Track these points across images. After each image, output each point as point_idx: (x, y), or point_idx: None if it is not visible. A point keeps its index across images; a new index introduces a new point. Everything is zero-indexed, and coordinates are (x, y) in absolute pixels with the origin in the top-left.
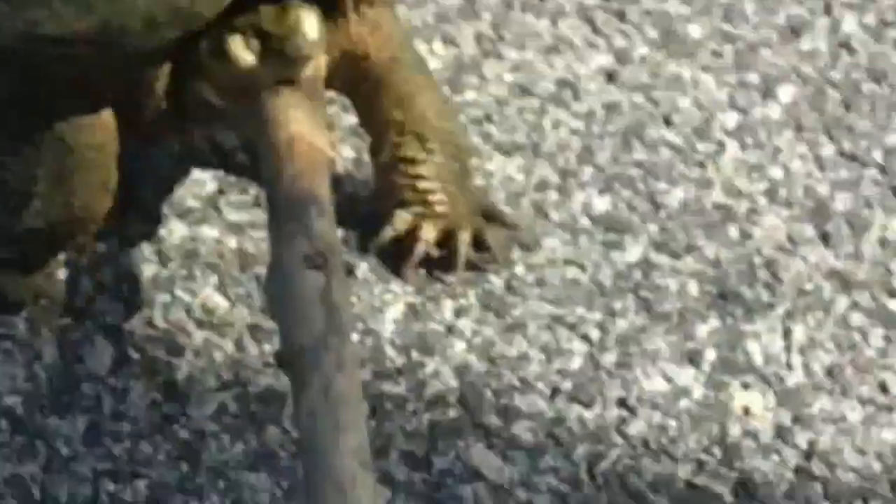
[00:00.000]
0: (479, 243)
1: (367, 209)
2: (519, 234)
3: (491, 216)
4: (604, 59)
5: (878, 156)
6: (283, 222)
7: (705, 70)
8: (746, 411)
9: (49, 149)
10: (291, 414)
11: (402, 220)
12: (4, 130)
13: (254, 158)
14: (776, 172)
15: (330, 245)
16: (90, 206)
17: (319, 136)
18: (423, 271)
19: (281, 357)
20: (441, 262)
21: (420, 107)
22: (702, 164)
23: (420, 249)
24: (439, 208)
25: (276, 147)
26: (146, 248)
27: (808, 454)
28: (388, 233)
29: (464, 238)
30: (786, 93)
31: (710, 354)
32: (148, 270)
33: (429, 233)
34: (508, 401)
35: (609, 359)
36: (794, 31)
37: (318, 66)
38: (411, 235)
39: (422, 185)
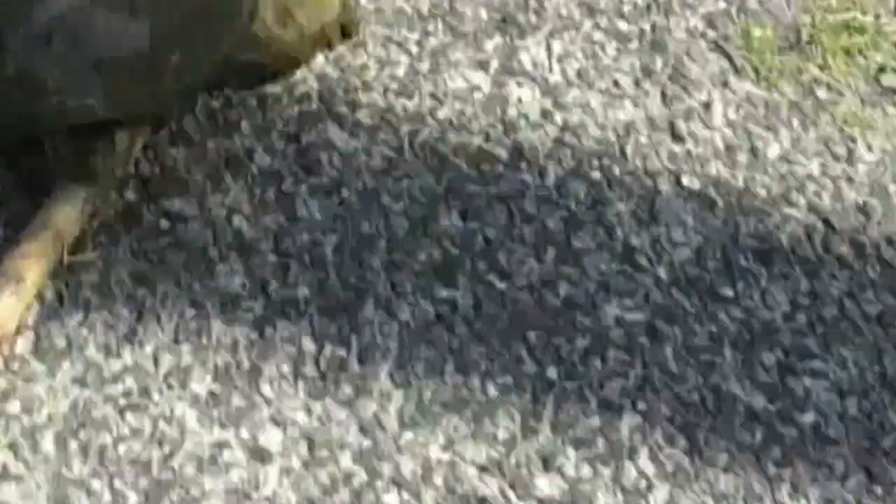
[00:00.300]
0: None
1: None
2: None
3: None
4: None
5: None
6: None
7: None
8: (520, 100)
9: None
10: None
11: None
12: None
13: None
14: None
15: None
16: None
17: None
18: None
19: None
20: None
21: None
22: None
23: None
24: None
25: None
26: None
27: (563, 128)
28: None
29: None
30: None
31: (495, 62)
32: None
33: None
34: (354, 97)
35: (424, 66)
36: None
37: None
38: None
39: None
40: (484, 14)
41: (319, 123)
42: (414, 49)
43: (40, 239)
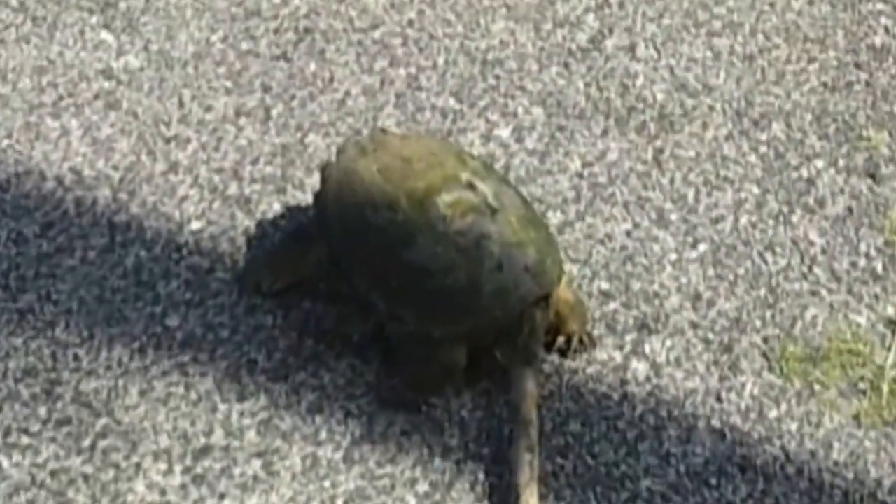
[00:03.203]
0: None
1: None
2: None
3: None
4: None
5: None
6: (518, 434)
7: None
8: None
9: None
10: None
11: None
12: None
13: None
14: None
15: (534, 441)
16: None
17: (536, 391)
18: None
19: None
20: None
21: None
22: None
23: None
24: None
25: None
26: None
27: None
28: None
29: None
30: None
31: None
32: None
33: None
34: None
35: None
36: None
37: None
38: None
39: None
40: None
41: None
42: None
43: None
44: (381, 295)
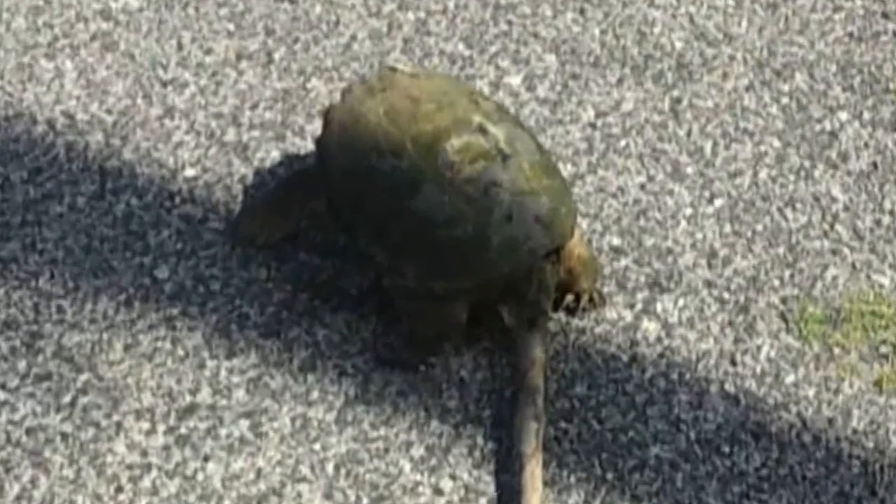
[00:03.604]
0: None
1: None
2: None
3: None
4: None
5: None
6: (524, 402)
7: None
8: None
9: None
10: None
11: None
12: None
13: None
14: None
15: (541, 409)
16: None
17: (544, 356)
18: None
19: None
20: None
21: (584, 255)
22: None
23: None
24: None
25: (529, 360)
26: None
27: None
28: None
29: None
30: None
31: None
32: None
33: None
34: None
35: None
36: None
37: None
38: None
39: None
40: None
41: None
42: None
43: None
44: (382, 247)
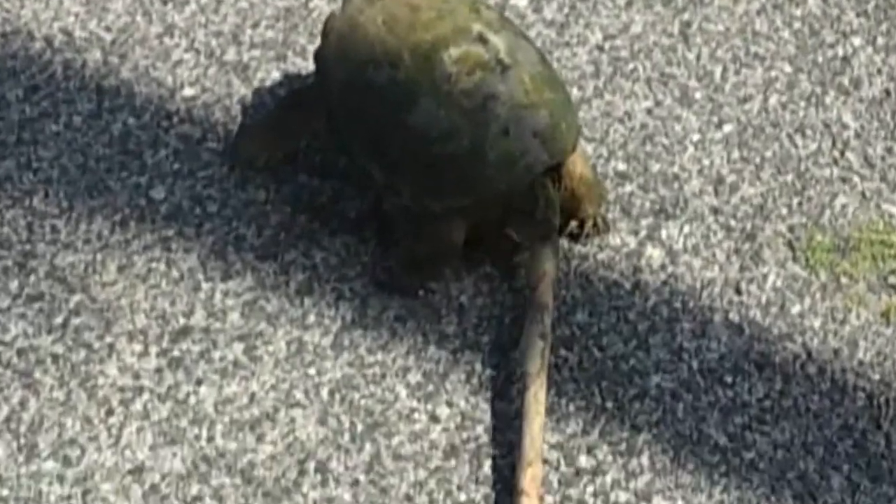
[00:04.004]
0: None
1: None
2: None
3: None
4: None
5: None
6: (532, 319)
7: None
8: None
9: None
10: None
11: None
12: None
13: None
14: None
15: (548, 329)
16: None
17: (555, 272)
18: None
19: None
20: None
21: (588, 177)
22: None
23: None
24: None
25: (538, 274)
26: None
27: None
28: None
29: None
30: None
31: None
32: None
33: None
34: None
35: None
36: None
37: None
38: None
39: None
40: None
41: None
42: None
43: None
44: (378, 164)
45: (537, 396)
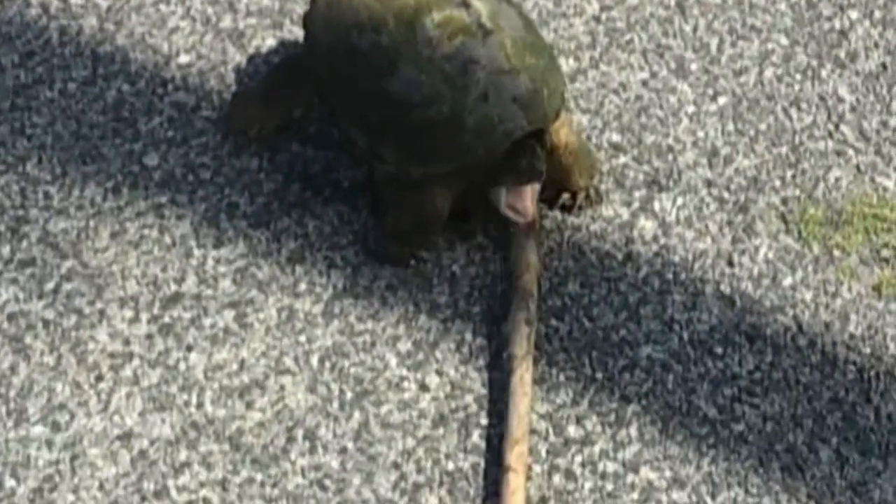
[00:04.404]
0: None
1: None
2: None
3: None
4: None
5: None
6: (517, 305)
7: None
8: None
9: None
10: None
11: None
12: None
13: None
14: None
15: (533, 315)
16: None
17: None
18: None
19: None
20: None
21: (574, 145)
22: None
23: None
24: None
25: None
26: None
27: None
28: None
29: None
30: None
31: None
32: None
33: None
34: None
35: None
36: None
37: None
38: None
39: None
40: None
41: None
42: None
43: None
44: (361, 130)
45: (523, 378)
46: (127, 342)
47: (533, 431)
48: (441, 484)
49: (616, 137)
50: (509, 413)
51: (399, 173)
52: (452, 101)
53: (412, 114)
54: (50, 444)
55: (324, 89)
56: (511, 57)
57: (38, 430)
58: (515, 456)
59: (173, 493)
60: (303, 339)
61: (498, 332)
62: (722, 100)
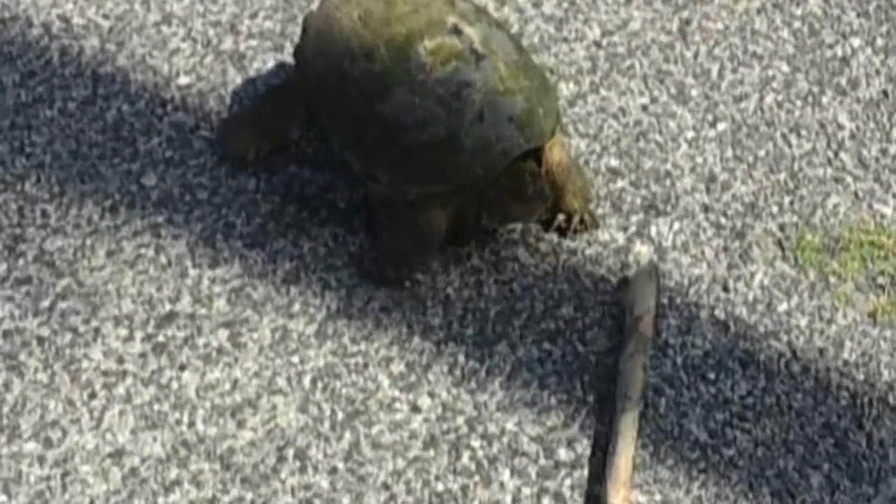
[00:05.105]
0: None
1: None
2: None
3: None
4: None
5: None
6: (636, 348)
7: None
8: None
9: None
10: None
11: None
12: None
13: None
14: None
15: (647, 361)
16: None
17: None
18: None
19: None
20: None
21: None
22: None
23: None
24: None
25: (644, 309)
26: None
27: None
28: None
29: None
30: None
31: None
32: None
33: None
34: None
35: None
36: None
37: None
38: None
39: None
40: None
41: None
42: None
43: None
44: (356, 153)
45: (636, 423)
46: (120, 360)
47: (523, 454)
48: None
49: (614, 162)
50: (617, 454)
51: (395, 193)
52: (448, 123)
53: (407, 135)
54: (42, 460)
55: (316, 113)
56: (505, 79)
57: (31, 446)
58: (620, 501)
59: None
60: (296, 359)
61: (491, 354)
62: (721, 126)
